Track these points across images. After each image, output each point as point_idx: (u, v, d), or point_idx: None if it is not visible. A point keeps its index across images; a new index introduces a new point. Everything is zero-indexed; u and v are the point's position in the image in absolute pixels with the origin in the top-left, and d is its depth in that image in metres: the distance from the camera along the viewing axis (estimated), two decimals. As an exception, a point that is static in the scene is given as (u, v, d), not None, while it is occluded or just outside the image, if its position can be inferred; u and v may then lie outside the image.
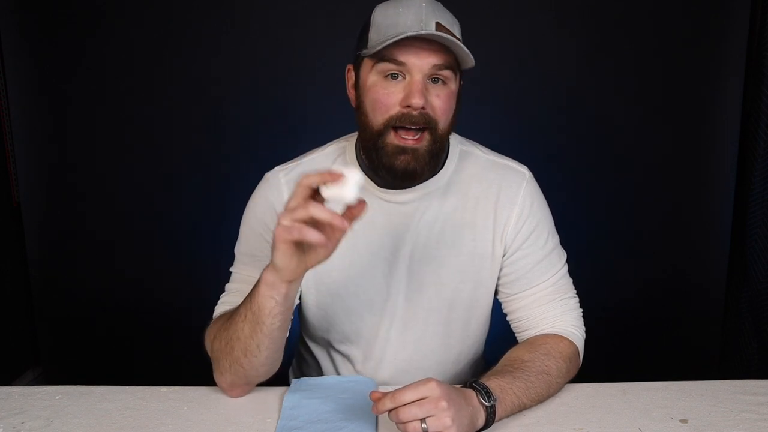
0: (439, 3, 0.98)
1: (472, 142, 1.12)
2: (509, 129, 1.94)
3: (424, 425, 0.77)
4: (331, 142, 1.12)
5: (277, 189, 1.07)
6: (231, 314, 0.95)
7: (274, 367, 0.97)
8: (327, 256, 0.84)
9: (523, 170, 1.09)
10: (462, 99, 1.04)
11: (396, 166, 0.95)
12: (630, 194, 2.01)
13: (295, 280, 0.85)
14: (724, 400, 0.96)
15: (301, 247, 0.82)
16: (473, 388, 0.85)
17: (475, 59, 0.95)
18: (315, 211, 0.78)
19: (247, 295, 0.91)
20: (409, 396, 0.78)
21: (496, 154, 1.11)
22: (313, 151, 1.12)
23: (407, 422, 0.77)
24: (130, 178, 2.01)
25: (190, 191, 2.01)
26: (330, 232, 0.80)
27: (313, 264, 0.84)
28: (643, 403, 0.96)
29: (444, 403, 0.77)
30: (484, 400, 0.84)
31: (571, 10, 1.91)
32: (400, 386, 0.80)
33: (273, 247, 0.82)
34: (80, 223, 2.04)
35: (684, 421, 0.90)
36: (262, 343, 0.90)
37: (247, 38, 1.93)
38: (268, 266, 0.86)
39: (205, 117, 1.98)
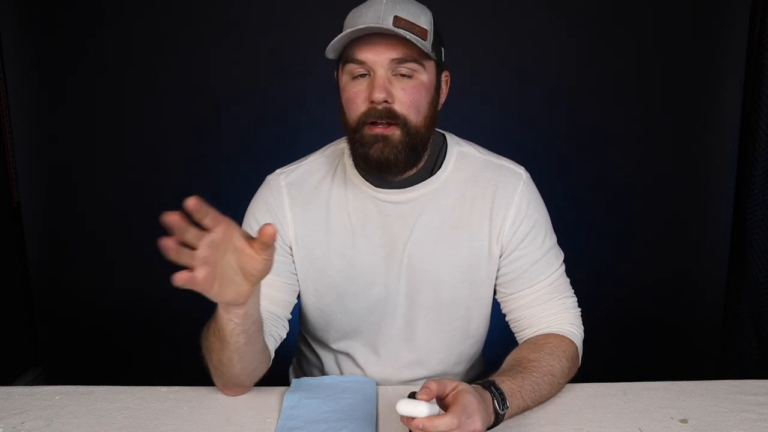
0: None
1: (470, 142, 1.12)
2: (509, 129, 1.95)
3: None
4: (330, 144, 1.13)
5: (277, 192, 1.07)
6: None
7: (256, 374, 0.96)
8: (266, 267, 0.76)
9: (520, 171, 1.09)
10: (448, 90, 1.05)
11: (370, 154, 0.96)
12: (630, 194, 2.01)
13: (243, 301, 0.79)
14: (724, 400, 0.96)
15: (225, 273, 0.74)
16: (491, 393, 0.84)
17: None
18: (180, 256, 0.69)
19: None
20: (464, 421, 0.75)
21: (494, 154, 1.11)
22: (312, 153, 1.13)
23: None
24: (130, 178, 2.01)
25: (190, 191, 2.00)
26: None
27: (256, 279, 0.77)
28: (643, 403, 0.95)
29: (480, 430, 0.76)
30: (499, 408, 0.84)
31: (571, 11, 1.91)
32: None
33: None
34: (80, 223, 2.04)
35: (684, 421, 0.90)
36: (233, 357, 0.89)
37: (246, 39, 1.93)
38: None
39: (205, 118, 1.98)
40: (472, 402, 0.77)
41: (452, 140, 1.09)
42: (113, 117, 1.98)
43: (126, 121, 1.98)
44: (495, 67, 1.92)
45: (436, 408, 0.76)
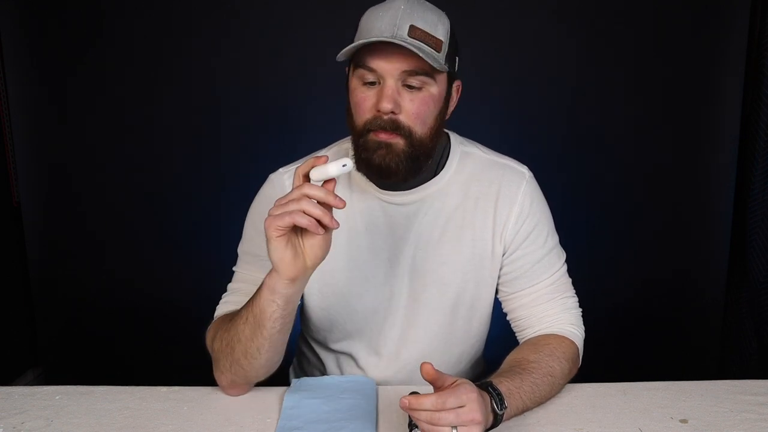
0: (426, 2, 0.97)
1: (473, 142, 1.12)
2: (510, 129, 1.95)
3: (454, 430, 0.76)
4: (334, 144, 1.13)
5: (281, 190, 1.07)
6: (233, 316, 0.96)
7: (273, 368, 0.98)
8: (324, 252, 0.86)
9: (523, 170, 1.09)
10: (459, 100, 1.03)
11: (373, 160, 0.95)
12: (630, 194, 2.01)
13: (296, 279, 0.86)
14: (724, 400, 0.96)
15: (295, 243, 0.84)
16: (489, 393, 0.84)
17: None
18: (308, 189, 0.80)
19: (250, 299, 0.92)
20: (451, 402, 0.76)
21: (497, 153, 1.11)
22: (316, 152, 1.12)
23: (440, 426, 0.76)
24: (131, 179, 2.01)
25: (190, 192, 2.01)
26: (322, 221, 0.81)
27: (313, 263, 0.86)
28: (643, 403, 0.96)
29: (481, 422, 0.77)
30: (497, 408, 0.83)
31: (572, 11, 1.91)
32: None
33: (267, 243, 0.83)
34: (80, 223, 2.04)
35: (684, 421, 0.90)
36: (263, 346, 0.91)
37: (247, 39, 1.93)
38: (270, 270, 0.87)
39: (205, 118, 1.98)
40: (469, 391, 0.77)
41: (456, 140, 1.09)
42: (113, 117, 1.97)
43: (126, 121, 1.98)
44: (495, 67, 1.92)
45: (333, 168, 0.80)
